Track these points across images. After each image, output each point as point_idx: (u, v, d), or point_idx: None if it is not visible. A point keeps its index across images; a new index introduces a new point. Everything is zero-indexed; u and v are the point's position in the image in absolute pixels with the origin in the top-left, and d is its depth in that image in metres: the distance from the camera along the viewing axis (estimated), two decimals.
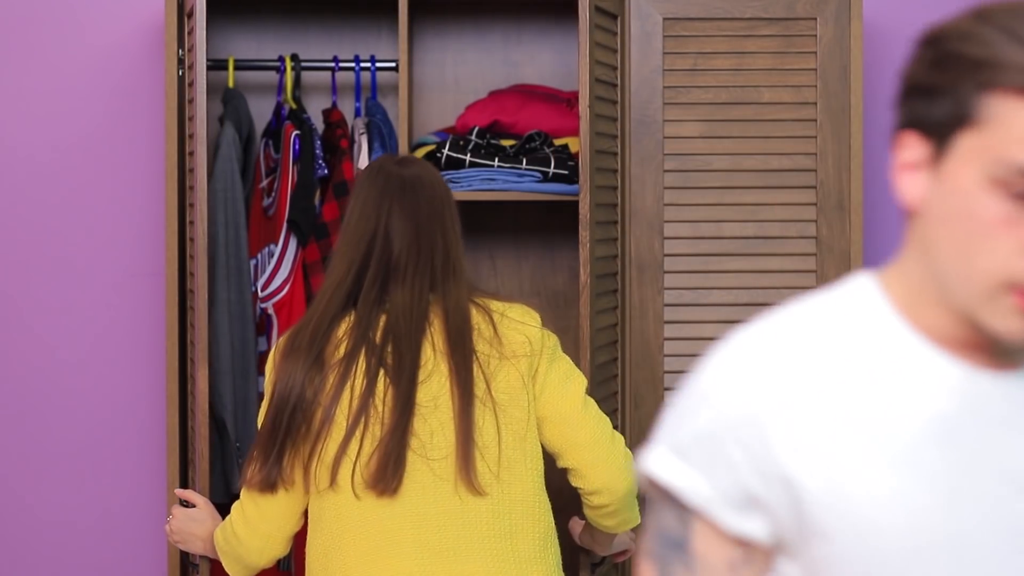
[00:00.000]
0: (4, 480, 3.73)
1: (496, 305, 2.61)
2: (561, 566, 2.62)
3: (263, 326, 3.49)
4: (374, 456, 2.49)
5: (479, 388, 2.53)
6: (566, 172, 3.44)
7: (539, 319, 2.62)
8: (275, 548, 2.64)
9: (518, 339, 2.58)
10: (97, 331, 3.72)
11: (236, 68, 3.53)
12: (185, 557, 3.30)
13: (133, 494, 3.73)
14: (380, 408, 2.51)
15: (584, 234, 3.12)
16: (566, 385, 2.61)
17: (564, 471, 2.65)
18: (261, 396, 3.43)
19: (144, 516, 3.73)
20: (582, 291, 3.11)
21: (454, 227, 2.63)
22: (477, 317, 2.58)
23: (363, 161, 3.46)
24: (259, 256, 3.48)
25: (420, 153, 3.43)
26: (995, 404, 1.42)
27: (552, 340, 2.62)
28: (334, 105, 3.58)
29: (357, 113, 3.56)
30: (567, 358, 2.65)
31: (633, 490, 2.65)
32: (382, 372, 2.52)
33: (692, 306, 3.39)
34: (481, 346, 2.56)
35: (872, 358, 1.42)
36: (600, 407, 3.24)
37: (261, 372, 3.45)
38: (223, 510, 3.54)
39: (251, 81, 3.65)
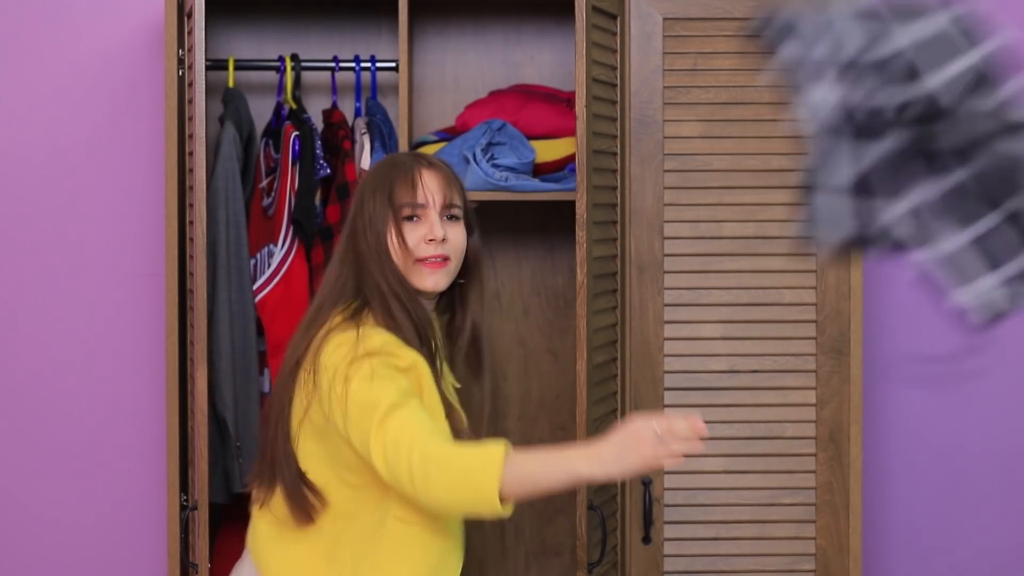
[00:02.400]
0: (3, 480, 3.74)
1: None
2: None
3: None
4: None
5: None
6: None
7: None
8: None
9: None
10: (97, 331, 3.72)
11: (236, 68, 3.53)
12: (185, 557, 3.30)
13: (133, 494, 3.73)
14: None
15: (581, 234, 3.11)
16: None
17: None
18: (263, 395, 3.43)
19: (144, 516, 3.73)
20: (579, 291, 3.11)
21: None
22: None
23: (365, 161, 3.45)
24: (258, 256, 3.48)
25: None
26: None
27: None
28: (334, 105, 3.58)
29: (357, 113, 3.56)
30: None
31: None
32: None
33: (692, 306, 3.39)
34: None
35: None
36: (599, 407, 3.25)
37: (262, 371, 3.45)
38: (225, 511, 3.54)
39: (251, 81, 3.65)
